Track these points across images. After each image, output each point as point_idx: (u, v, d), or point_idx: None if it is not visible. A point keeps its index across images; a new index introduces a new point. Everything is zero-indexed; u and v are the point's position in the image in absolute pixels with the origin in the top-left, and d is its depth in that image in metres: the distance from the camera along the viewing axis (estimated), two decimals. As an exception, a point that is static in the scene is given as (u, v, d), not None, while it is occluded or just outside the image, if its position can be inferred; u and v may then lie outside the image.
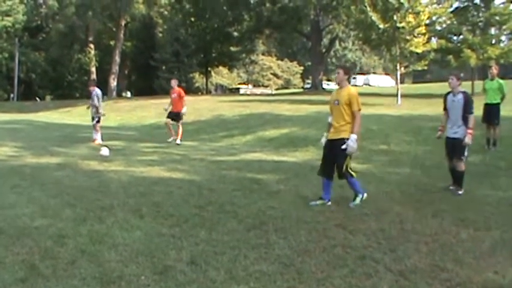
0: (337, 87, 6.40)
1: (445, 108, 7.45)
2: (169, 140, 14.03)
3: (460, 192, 7.04)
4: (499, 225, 5.35)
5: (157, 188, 7.00)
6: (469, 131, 6.93)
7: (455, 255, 4.34)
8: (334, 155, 6.10)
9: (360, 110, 6.07)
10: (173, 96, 14.20)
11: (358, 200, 6.17)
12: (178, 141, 13.78)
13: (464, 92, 7.17)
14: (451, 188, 7.28)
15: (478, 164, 9.79)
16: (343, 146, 5.93)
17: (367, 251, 4.41)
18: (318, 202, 6.17)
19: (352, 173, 6.18)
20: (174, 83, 14.45)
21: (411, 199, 6.71)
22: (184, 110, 14.09)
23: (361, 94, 6.68)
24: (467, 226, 5.28)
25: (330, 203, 6.14)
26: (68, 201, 6.07)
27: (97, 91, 13.64)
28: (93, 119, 13.66)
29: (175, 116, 14.09)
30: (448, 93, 7.35)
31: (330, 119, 6.34)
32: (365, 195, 6.26)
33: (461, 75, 7.59)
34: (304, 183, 7.63)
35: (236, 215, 5.57)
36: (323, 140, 6.36)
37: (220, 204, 6.08)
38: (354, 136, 5.96)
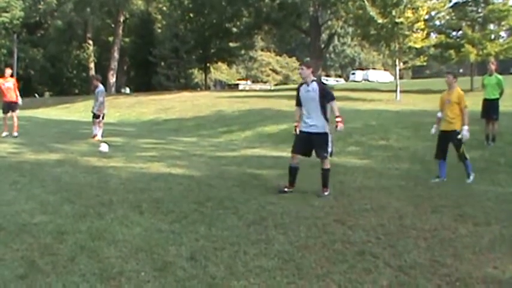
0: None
1: None
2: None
3: None
4: (498, 220, 5.36)
5: (156, 184, 7.00)
6: None
7: (454, 250, 4.35)
8: (451, 143, 7.66)
9: (466, 106, 7.58)
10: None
11: (471, 177, 7.69)
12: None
13: None
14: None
15: (478, 159, 9.79)
16: (459, 136, 7.52)
17: (367, 247, 4.41)
18: (436, 180, 7.71)
19: (467, 155, 7.71)
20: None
21: (410, 194, 6.72)
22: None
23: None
24: (466, 221, 5.29)
25: (446, 179, 7.69)
26: (67, 197, 6.06)
27: (101, 88, 13.57)
28: (95, 116, 13.48)
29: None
30: None
31: (439, 114, 7.93)
32: (472, 176, 7.69)
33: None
34: (304, 179, 7.62)
35: (236, 210, 5.57)
36: (433, 131, 8.02)
37: (219, 199, 6.08)
38: (465, 127, 7.52)
